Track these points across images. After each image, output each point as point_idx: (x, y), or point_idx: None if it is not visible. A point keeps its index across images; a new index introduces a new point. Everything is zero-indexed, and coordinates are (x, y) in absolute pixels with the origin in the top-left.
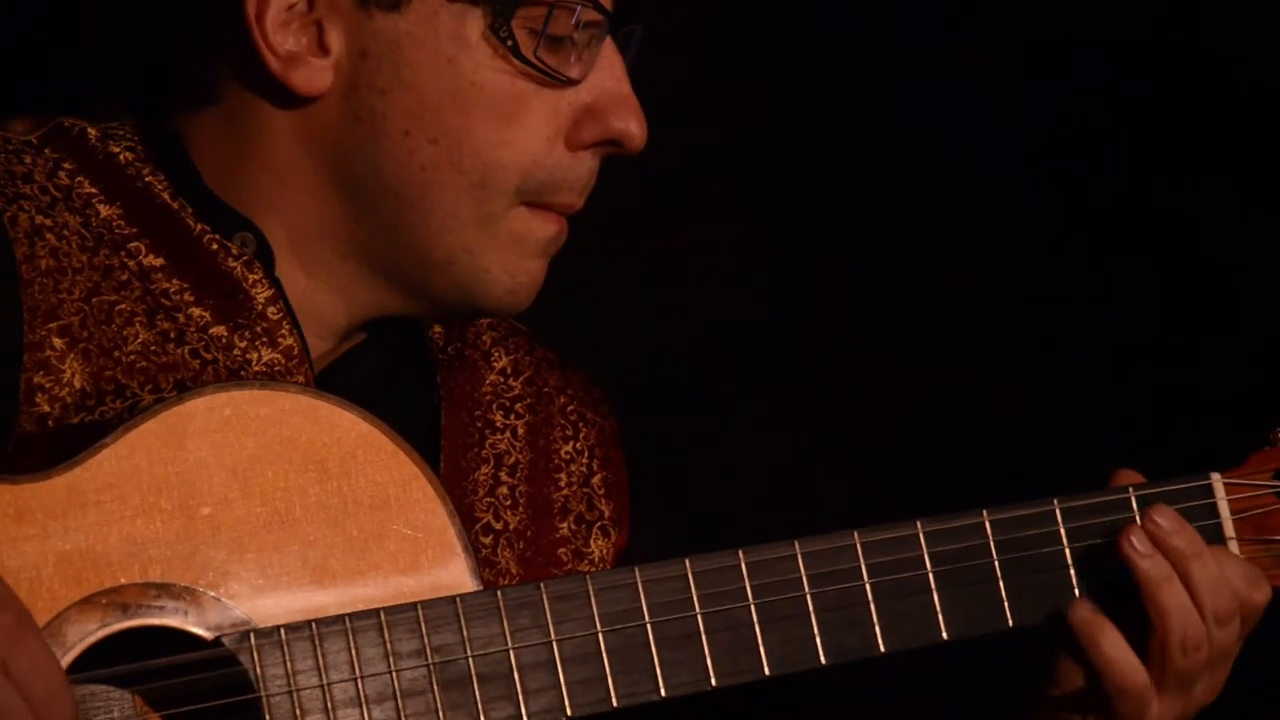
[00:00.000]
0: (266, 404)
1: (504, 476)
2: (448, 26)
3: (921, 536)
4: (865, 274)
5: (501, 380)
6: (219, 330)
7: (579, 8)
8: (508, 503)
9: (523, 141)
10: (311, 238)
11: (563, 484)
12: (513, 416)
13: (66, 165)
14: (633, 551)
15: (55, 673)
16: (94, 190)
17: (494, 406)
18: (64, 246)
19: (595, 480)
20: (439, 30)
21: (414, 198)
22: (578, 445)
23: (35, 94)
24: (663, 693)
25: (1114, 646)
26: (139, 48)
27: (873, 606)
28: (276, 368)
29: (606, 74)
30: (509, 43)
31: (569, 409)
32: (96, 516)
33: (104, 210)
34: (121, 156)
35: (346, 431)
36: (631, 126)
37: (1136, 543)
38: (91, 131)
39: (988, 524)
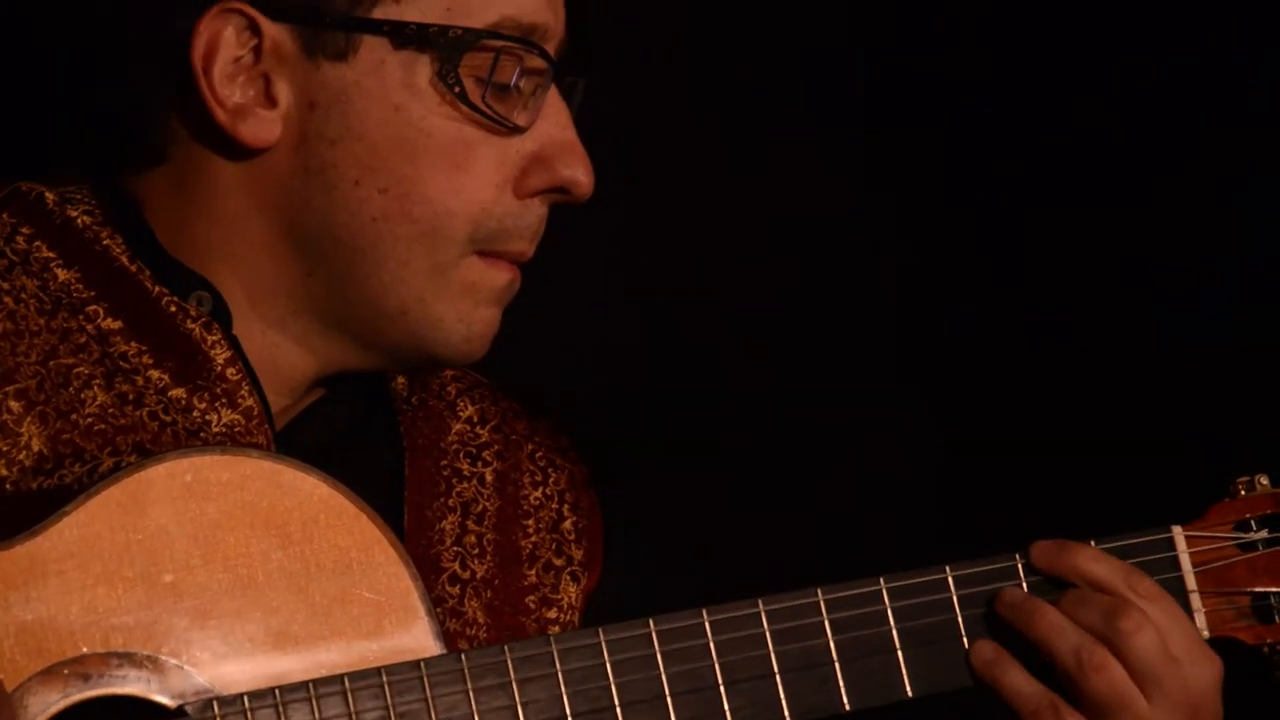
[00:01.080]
0: (228, 469)
1: (471, 525)
2: (395, 74)
3: (885, 593)
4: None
5: (468, 429)
6: (178, 392)
7: (524, 55)
8: (475, 551)
9: (472, 189)
10: (266, 293)
11: (531, 530)
12: (480, 464)
13: (24, 230)
14: (603, 593)
15: None
16: (52, 254)
17: (461, 455)
18: (21, 310)
19: (565, 525)
20: (386, 78)
21: (365, 248)
22: (547, 491)
23: None
24: None
25: (1015, 679)
26: (92, 108)
27: (837, 665)
28: (237, 429)
29: (552, 122)
30: (456, 89)
31: (537, 455)
32: (58, 585)
33: (62, 274)
34: (79, 220)
35: (308, 496)
36: (579, 174)
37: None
38: (49, 196)
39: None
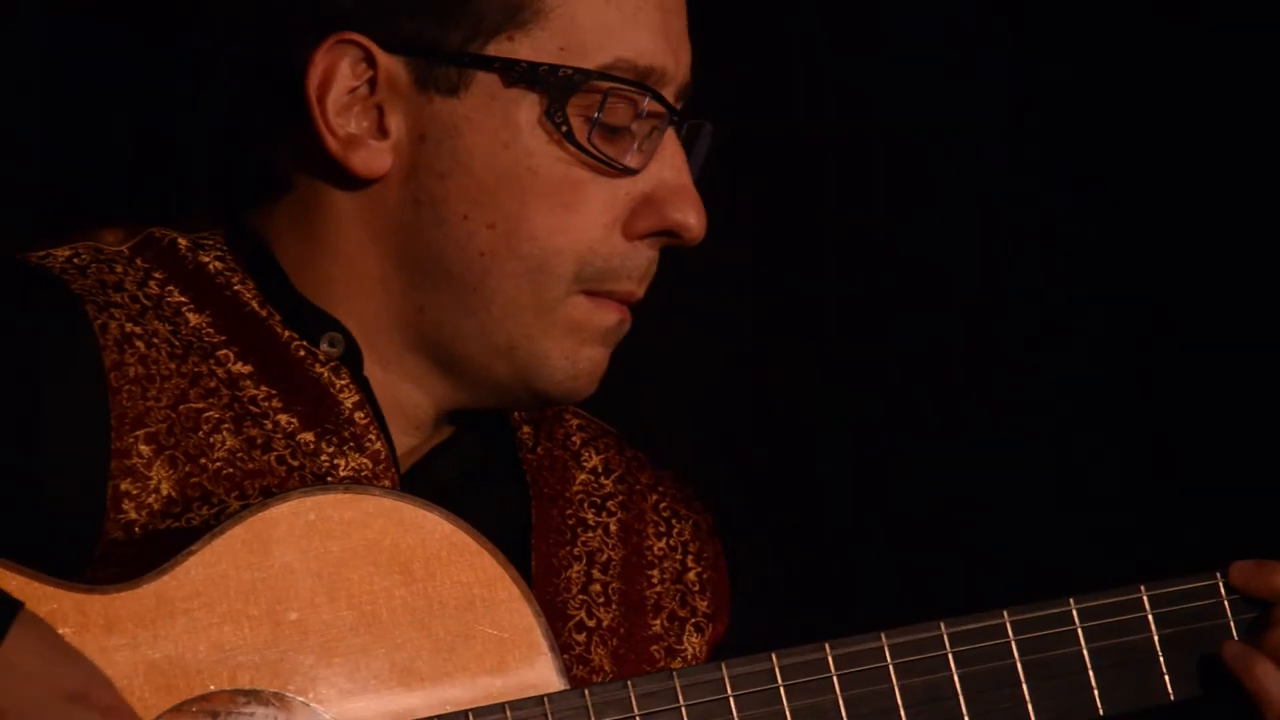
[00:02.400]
0: (351, 507)
1: (596, 574)
2: (504, 111)
3: (1009, 625)
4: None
5: (593, 479)
6: (307, 436)
7: (637, 98)
8: (600, 600)
9: (579, 228)
10: (383, 330)
11: (655, 581)
12: (604, 514)
13: (157, 275)
14: (730, 641)
15: None
16: (184, 299)
17: (585, 504)
18: (153, 354)
19: (689, 576)
20: (495, 114)
21: (474, 283)
22: (671, 542)
23: (129, 205)
24: None
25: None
26: (217, 143)
27: (962, 699)
28: (364, 473)
29: (666, 165)
30: (563, 128)
31: (661, 505)
32: (185, 624)
33: (193, 318)
34: (211, 266)
35: (430, 533)
36: (689, 218)
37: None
38: (182, 241)
39: (1075, 613)
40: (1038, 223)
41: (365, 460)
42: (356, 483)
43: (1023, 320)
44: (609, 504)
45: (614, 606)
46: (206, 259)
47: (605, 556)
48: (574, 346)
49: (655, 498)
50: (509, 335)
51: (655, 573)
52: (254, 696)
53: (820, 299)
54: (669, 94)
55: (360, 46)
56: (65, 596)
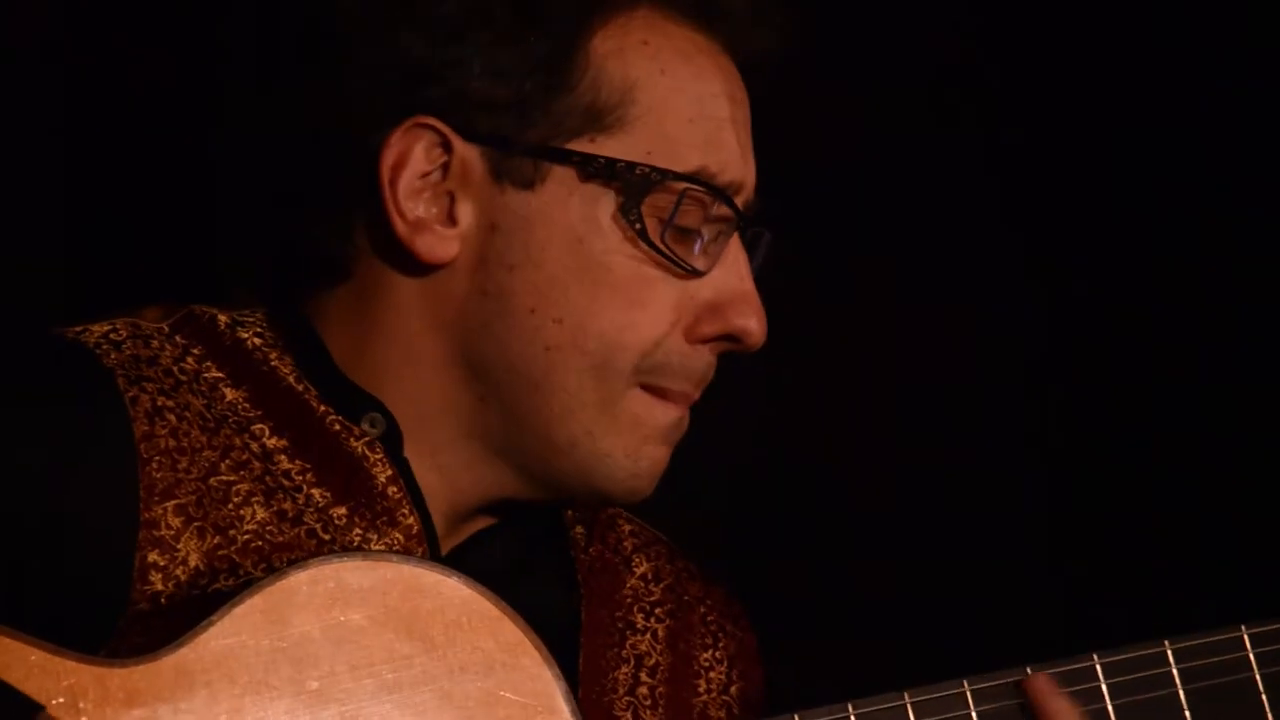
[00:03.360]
0: (369, 574)
1: (644, 677)
2: (580, 207)
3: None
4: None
5: (642, 585)
6: (339, 510)
7: (710, 202)
8: (647, 703)
9: (647, 326)
10: (436, 416)
11: (701, 690)
12: (653, 620)
13: (195, 351)
14: None
15: None
16: (221, 374)
17: (635, 609)
18: (184, 426)
19: (733, 690)
20: (571, 210)
21: (538, 378)
22: (716, 654)
23: (174, 285)
24: None
25: None
26: (274, 228)
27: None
28: (395, 547)
29: (731, 270)
30: (638, 226)
31: (709, 618)
32: (205, 696)
33: (230, 394)
34: (249, 342)
35: (449, 599)
36: (751, 324)
37: None
38: (222, 318)
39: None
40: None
41: (398, 535)
42: (373, 550)
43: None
44: (657, 610)
45: (660, 710)
46: (245, 335)
47: (653, 661)
48: (636, 444)
49: (703, 610)
50: (571, 432)
51: (702, 682)
52: None
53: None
54: (739, 202)
55: (438, 132)
56: (85, 670)
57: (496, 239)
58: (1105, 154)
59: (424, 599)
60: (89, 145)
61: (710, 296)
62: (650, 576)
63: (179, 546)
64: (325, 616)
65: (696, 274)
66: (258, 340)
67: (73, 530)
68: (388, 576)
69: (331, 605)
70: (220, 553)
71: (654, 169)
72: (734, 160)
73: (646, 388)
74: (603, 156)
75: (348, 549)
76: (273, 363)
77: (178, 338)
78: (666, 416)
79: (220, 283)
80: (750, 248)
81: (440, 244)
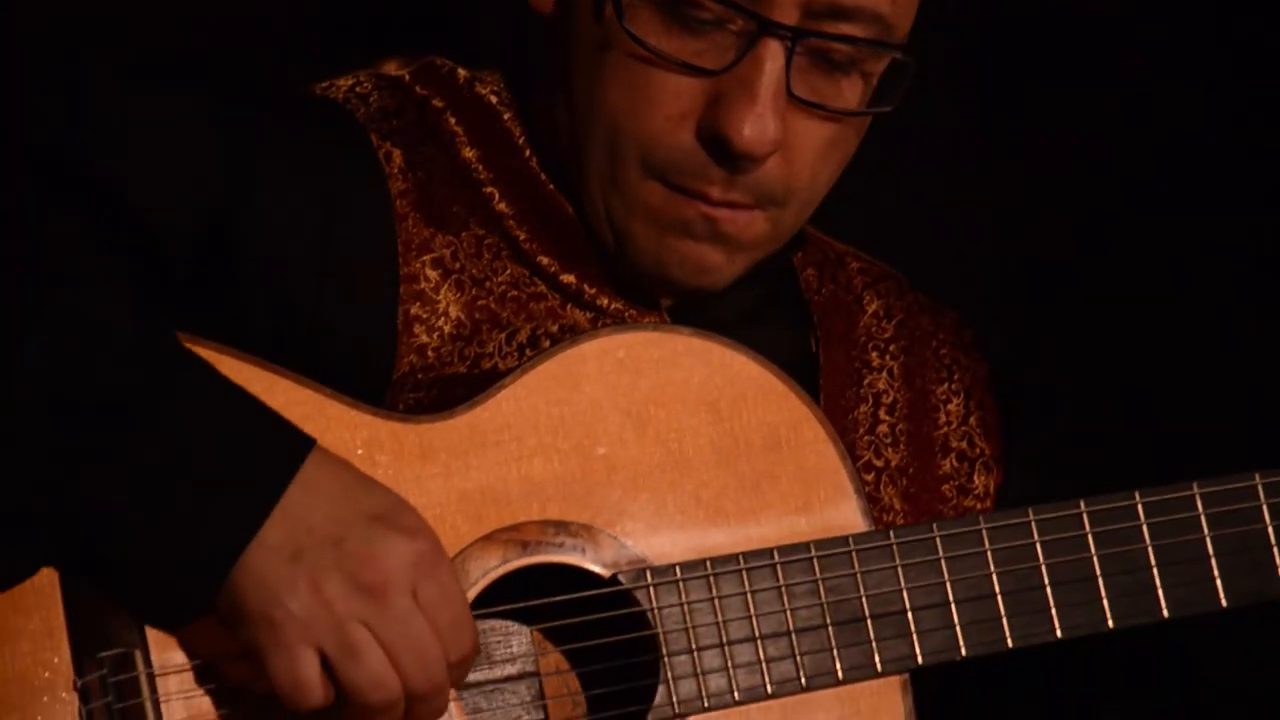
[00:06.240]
0: (659, 346)
1: (883, 415)
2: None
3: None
4: None
5: (875, 323)
6: (569, 278)
7: (724, 3)
8: (888, 440)
9: (644, 114)
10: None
11: (941, 422)
12: (888, 357)
13: (435, 102)
14: (1007, 495)
15: (461, 603)
16: (458, 130)
17: (869, 347)
18: (434, 182)
19: (973, 419)
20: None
21: (579, 143)
22: (952, 386)
23: (410, 43)
24: (1059, 634)
25: None
26: None
27: (1275, 550)
28: (629, 313)
29: (744, 72)
30: (636, 19)
31: (942, 352)
32: (496, 456)
33: (465, 152)
34: (487, 98)
35: (738, 373)
36: (743, 129)
37: None
38: (461, 72)
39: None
40: None
41: (625, 299)
42: (665, 323)
43: None
44: (891, 347)
45: (902, 447)
46: (483, 91)
47: (891, 398)
48: (656, 234)
49: (936, 343)
50: (606, 203)
51: (940, 415)
52: (562, 528)
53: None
54: (787, 5)
55: None
56: (382, 425)
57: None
58: None
59: (712, 372)
60: None
61: (717, 94)
62: (882, 313)
63: (439, 299)
64: (615, 385)
65: (701, 72)
66: (494, 99)
67: (339, 287)
68: (677, 349)
69: (621, 374)
70: (479, 304)
71: None
72: None
73: (667, 184)
74: None
75: (639, 322)
76: (506, 124)
77: (417, 88)
78: (680, 213)
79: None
80: (791, 54)
81: None
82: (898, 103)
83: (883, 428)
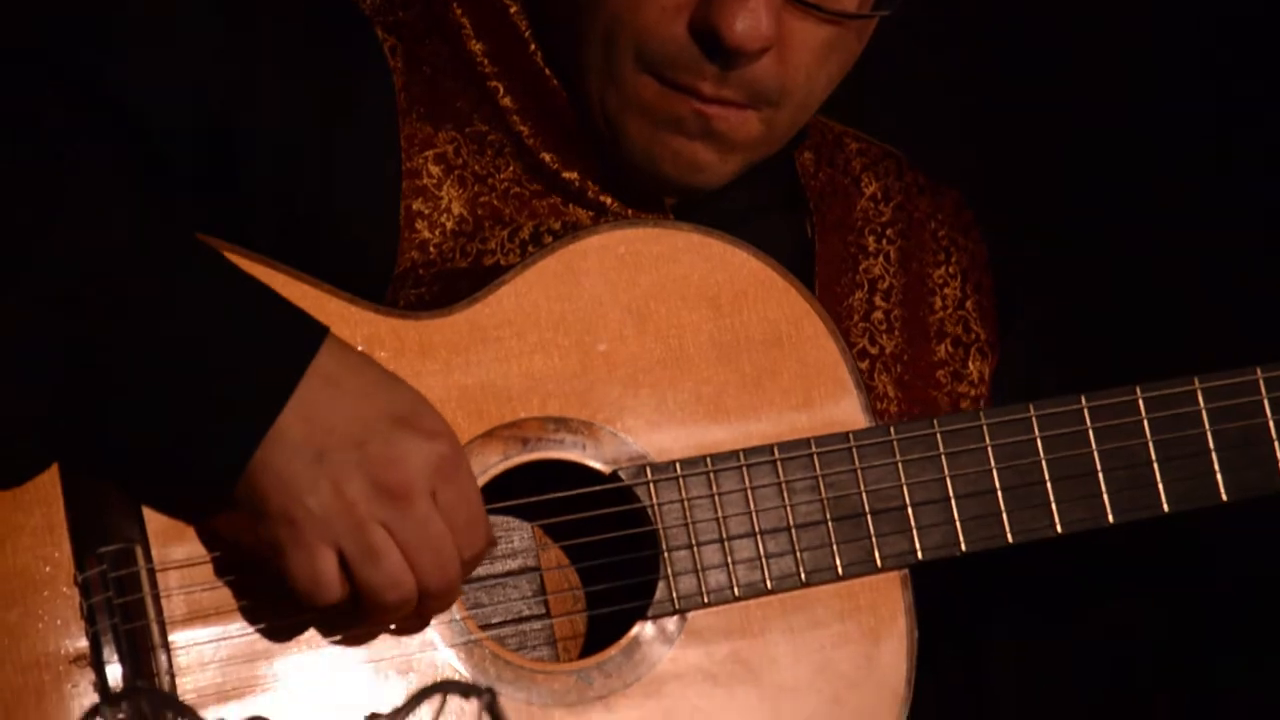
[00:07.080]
0: (659, 242)
1: (878, 301)
2: None
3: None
4: None
5: (872, 206)
6: (571, 175)
7: None
8: (883, 327)
9: (642, 6)
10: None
11: (937, 307)
12: (884, 241)
13: None
14: (1002, 379)
15: (478, 503)
16: (465, 22)
17: (865, 232)
18: (438, 76)
19: (969, 304)
20: None
21: (576, 39)
22: (950, 269)
23: None
24: (1059, 529)
25: None
26: None
27: (1276, 444)
28: (630, 212)
29: None
30: None
31: (939, 234)
32: (496, 352)
33: (471, 44)
34: None
35: (738, 269)
36: (735, 24)
37: None
38: None
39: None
40: None
41: (631, 199)
42: (666, 218)
43: None
44: (888, 231)
45: (896, 334)
46: None
47: (887, 284)
48: (650, 129)
49: (934, 225)
50: (602, 97)
51: (937, 299)
52: (563, 424)
53: None
54: None
55: None
56: (381, 321)
57: None
58: None
59: (713, 268)
60: None
61: None
62: (880, 196)
63: (441, 194)
64: (615, 281)
65: None
66: None
67: (342, 183)
68: (678, 245)
69: (622, 270)
70: (482, 200)
71: None
72: None
73: (660, 79)
74: None
75: (640, 217)
76: (513, 17)
77: None
78: (673, 108)
79: None
80: None
81: None
82: (898, 7)
83: (878, 314)
